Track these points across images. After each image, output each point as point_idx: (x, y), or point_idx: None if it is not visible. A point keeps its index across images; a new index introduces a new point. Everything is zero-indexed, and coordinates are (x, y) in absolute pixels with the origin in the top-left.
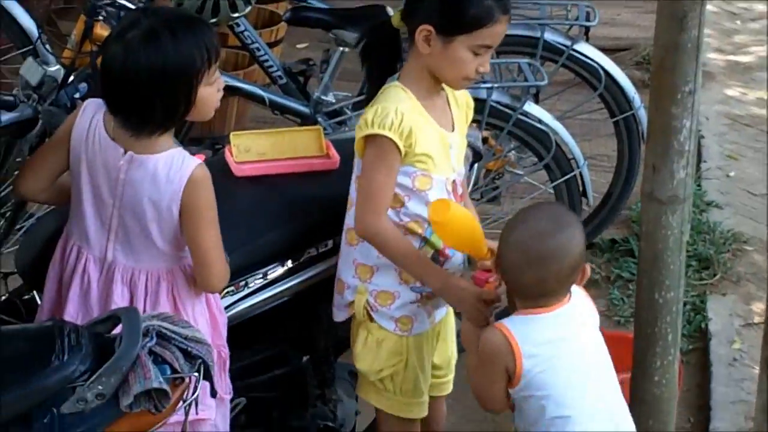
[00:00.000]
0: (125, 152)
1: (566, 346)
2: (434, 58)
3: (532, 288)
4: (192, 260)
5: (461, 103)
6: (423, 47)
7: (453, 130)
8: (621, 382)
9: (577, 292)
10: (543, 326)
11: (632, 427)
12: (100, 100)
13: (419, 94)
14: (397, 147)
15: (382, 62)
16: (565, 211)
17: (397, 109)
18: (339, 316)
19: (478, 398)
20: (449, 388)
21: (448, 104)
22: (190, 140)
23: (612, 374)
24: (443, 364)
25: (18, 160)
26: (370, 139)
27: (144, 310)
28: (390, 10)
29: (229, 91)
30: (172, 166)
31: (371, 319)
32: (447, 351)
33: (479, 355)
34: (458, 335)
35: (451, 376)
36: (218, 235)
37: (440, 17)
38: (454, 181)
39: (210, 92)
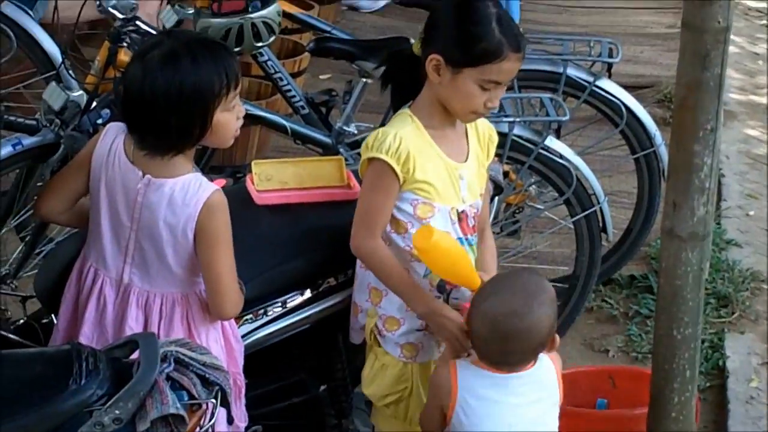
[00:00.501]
0: (143, 175)
1: (501, 412)
2: (443, 88)
3: (494, 356)
4: (205, 285)
5: (483, 136)
6: (433, 76)
7: (466, 161)
8: (639, 417)
9: (547, 365)
10: (489, 384)
11: None
12: (121, 124)
13: (429, 123)
14: (394, 171)
15: (401, 89)
16: (538, 284)
17: (397, 134)
18: (355, 338)
19: (420, 419)
20: None
21: (467, 136)
22: (211, 168)
23: None
24: None
25: (39, 184)
26: (370, 161)
27: (158, 334)
28: (412, 41)
29: (252, 120)
30: (188, 190)
31: (378, 344)
32: None
33: (428, 383)
34: None
35: None
36: (232, 262)
37: (450, 48)
38: (463, 212)
39: (228, 118)
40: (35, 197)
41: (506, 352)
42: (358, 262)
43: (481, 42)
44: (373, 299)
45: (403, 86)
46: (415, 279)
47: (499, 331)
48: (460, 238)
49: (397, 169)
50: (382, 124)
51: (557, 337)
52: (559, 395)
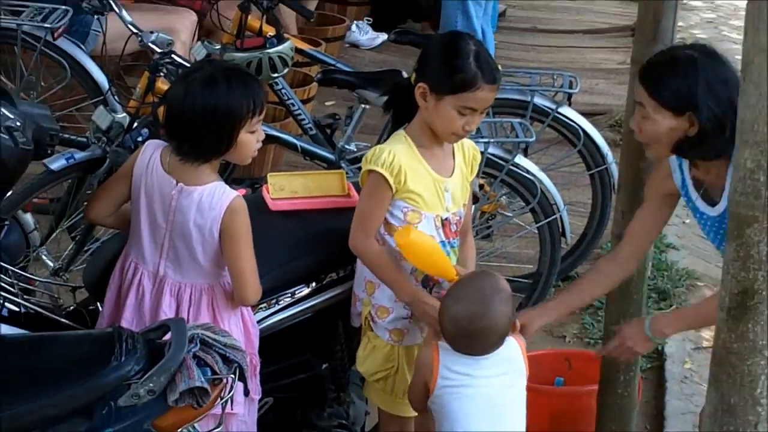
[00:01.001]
0: (177, 183)
1: (476, 384)
2: (429, 112)
3: (463, 349)
4: (230, 276)
5: (468, 155)
6: (420, 102)
7: (451, 176)
8: (590, 393)
9: (513, 344)
10: (464, 363)
11: None
12: (157, 142)
13: (420, 143)
14: (387, 181)
15: (399, 113)
16: (493, 287)
17: (391, 150)
18: (355, 323)
19: (407, 392)
20: None
21: (453, 154)
22: (233, 180)
23: (515, 425)
24: None
25: (88, 192)
26: (368, 173)
27: (187, 319)
28: (404, 74)
29: (268, 139)
30: (214, 196)
31: (371, 329)
32: None
33: (414, 362)
34: None
35: None
36: (252, 256)
37: (434, 78)
38: (447, 219)
39: (249, 139)
40: (85, 203)
41: (472, 345)
42: (358, 260)
43: (459, 73)
44: (368, 290)
45: (401, 111)
46: (402, 273)
47: (464, 330)
48: (443, 241)
49: (391, 180)
50: (378, 143)
51: (517, 322)
52: (525, 367)
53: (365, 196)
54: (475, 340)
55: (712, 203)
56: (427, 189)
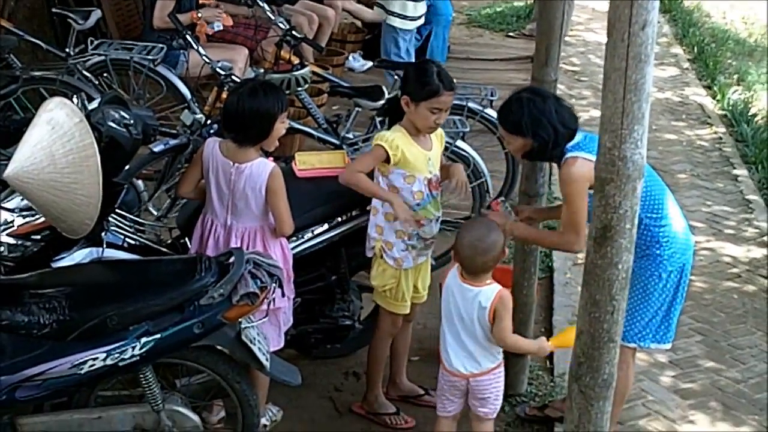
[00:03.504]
0: (233, 164)
1: (452, 301)
2: (411, 115)
3: (469, 267)
4: (273, 218)
5: (439, 136)
6: (405, 108)
7: (431, 150)
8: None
9: (492, 289)
10: (455, 284)
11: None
12: (215, 138)
13: (410, 132)
14: (386, 151)
15: (394, 116)
16: (489, 226)
17: (392, 135)
18: (369, 253)
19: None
20: (423, 300)
21: (430, 137)
22: (273, 158)
23: (472, 340)
24: (421, 288)
25: (179, 166)
26: (376, 145)
27: (246, 249)
28: (384, 87)
29: (295, 130)
30: (260, 167)
31: (381, 256)
32: (424, 281)
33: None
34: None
35: (425, 294)
36: (287, 204)
37: (411, 91)
38: (430, 179)
39: (279, 127)
40: (177, 175)
41: (475, 263)
42: (371, 213)
43: (428, 86)
44: (378, 232)
45: (394, 114)
46: (380, 186)
47: (471, 249)
48: (428, 193)
49: (389, 151)
50: (366, 134)
51: (506, 250)
52: (487, 313)
53: (367, 154)
54: (484, 255)
55: None
56: (417, 159)
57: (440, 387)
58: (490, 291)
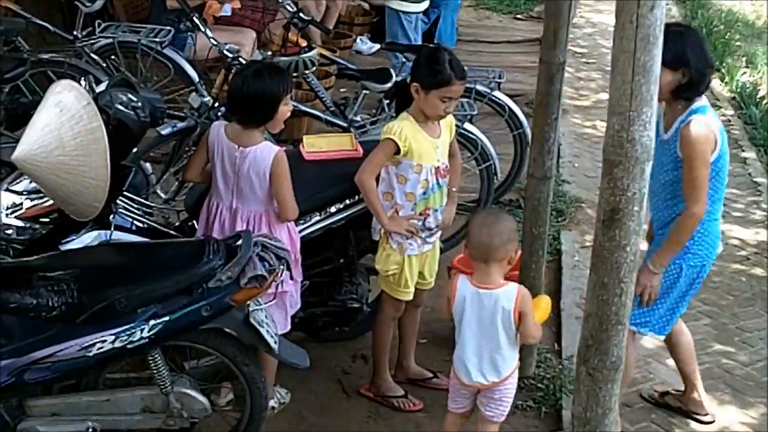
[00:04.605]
0: (238, 147)
1: (468, 310)
2: (421, 102)
3: (477, 253)
4: (277, 203)
5: (448, 123)
6: (414, 95)
7: (439, 137)
8: (514, 276)
9: (511, 288)
10: (468, 292)
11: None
12: (219, 122)
13: (417, 119)
14: (396, 144)
15: (403, 101)
16: (498, 215)
17: (399, 125)
18: (375, 236)
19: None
20: (429, 287)
21: (440, 124)
22: (281, 140)
23: (492, 348)
24: (427, 276)
25: (186, 149)
26: (385, 139)
27: (252, 231)
28: (391, 70)
29: (303, 113)
30: (264, 151)
31: (386, 241)
32: (431, 268)
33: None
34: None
35: (432, 281)
36: (291, 189)
37: (422, 79)
38: (437, 168)
39: (284, 110)
40: (185, 158)
41: (491, 245)
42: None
43: (439, 75)
44: None
45: (403, 100)
46: (381, 204)
47: (480, 234)
48: (435, 182)
49: (399, 143)
50: (374, 116)
51: (519, 251)
52: (511, 315)
53: (378, 150)
54: (485, 244)
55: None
56: (425, 148)
57: (453, 388)
58: (510, 292)
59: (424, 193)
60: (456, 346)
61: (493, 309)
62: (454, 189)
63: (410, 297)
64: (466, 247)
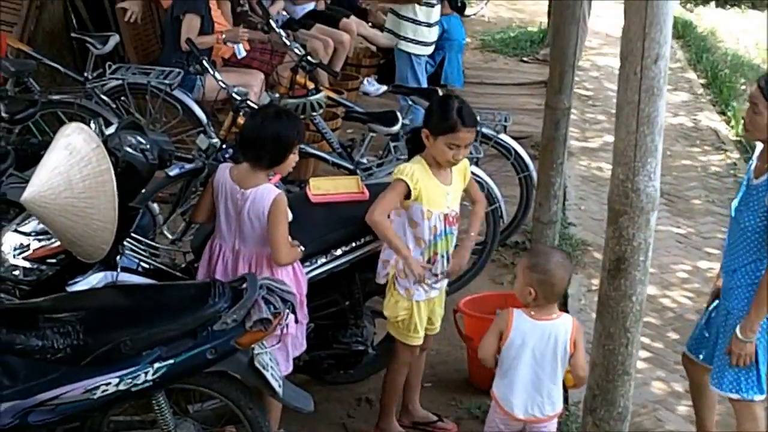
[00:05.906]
0: (240, 189)
1: (528, 344)
2: (431, 147)
3: (547, 296)
4: (270, 246)
5: (461, 170)
6: (425, 141)
7: (450, 184)
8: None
9: (567, 325)
10: (527, 326)
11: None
12: (225, 165)
13: (429, 163)
14: (407, 185)
15: (416, 146)
16: (560, 250)
17: (412, 167)
18: (381, 280)
19: (479, 348)
20: (435, 331)
21: (451, 171)
22: (288, 182)
23: (549, 380)
24: (434, 321)
25: (193, 190)
26: (396, 179)
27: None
28: (398, 114)
29: (309, 155)
30: (263, 194)
31: (394, 286)
32: (437, 313)
33: (495, 319)
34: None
35: (437, 325)
36: (285, 233)
37: (431, 125)
38: (447, 215)
39: (293, 158)
40: (192, 198)
41: (562, 289)
42: None
43: (445, 122)
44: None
45: (417, 145)
46: (401, 240)
47: (562, 269)
48: (444, 228)
49: (410, 184)
50: (380, 159)
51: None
52: (568, 344)
53: (390, 190)
54: (564, 286)
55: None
56: (435, 194)
57: (494, 423)
58: (567, 321)
59: (434, 239)
60: (501, 381)
61: (553, 339)
62: (473, 233)
63: (420, 341)
64: (537, 290)
